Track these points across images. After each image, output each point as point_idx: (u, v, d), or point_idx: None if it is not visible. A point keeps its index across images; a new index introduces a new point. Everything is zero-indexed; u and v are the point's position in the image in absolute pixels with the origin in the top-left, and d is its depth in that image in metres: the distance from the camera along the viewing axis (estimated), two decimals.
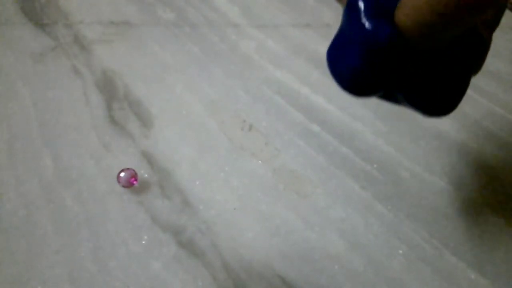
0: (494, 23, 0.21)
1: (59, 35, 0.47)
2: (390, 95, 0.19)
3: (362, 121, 0.37)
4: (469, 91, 0.41)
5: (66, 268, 0.27)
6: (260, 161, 0.34)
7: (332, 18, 0.52)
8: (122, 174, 0.31)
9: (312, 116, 0.38)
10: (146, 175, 0.33)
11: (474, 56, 0.19)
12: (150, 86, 0.41)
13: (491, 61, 0.45)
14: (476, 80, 0.43)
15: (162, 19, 0.51)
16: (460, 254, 0.28)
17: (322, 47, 0.47)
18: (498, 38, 0.49)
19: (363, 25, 0.17)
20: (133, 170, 0.32)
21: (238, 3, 0.54)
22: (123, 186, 0.31)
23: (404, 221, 0.30)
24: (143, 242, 0.29)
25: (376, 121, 0.37)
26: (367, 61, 0.17)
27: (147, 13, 0.52)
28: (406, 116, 0.37)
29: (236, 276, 0.27)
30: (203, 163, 0.34)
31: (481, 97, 0.41)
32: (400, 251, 0.28)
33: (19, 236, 0.29)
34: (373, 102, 0.39)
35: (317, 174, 0.33)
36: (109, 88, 0.40)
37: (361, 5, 0.17)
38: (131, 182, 0.31)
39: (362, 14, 0.17)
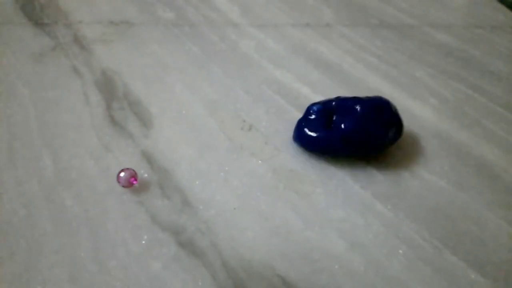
0: None
1: (59, 35, 0.47)
2: None
3: None
4: (469, 91, 0.41)
5: (66, 268, 0.27)
6: (260, 161, 0.34)
7: (332, 18, 0.52)
8: (122, 174, 0.31)
9: None
10: (146, 175, 0.33)
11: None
12: (149, 85, 0.41)
13: (491, 61, 0.45)
14: (476, 80, 0.43)
15: (162, 19, 0.51)
16: (460, 254, 0.28)
17: (322, 47, 0.47)
18: (498, 38, 0.49)
19: None
20: (133, 170, 0.32)
21: (238, 2, 0.54)
22: (123, 186, 0.31)
23: (404, 221, 0.30)
24: (143, 242, 0.29)
25: None
26: None
27: (147, 13, 0.52)
28: (406, 116, 0.37)
29: (236, 275, 0.27)
30: (203, 163, 0.34)
31: (481, 97, 0.41)
32: (400, 251, 0.28)
33: (19, 236, 0.29)
34: None
35: (317, 173, 0.33)
36: (108, 88, 0.40)
37: None
38: (131, 182, 0.31)
39: None
